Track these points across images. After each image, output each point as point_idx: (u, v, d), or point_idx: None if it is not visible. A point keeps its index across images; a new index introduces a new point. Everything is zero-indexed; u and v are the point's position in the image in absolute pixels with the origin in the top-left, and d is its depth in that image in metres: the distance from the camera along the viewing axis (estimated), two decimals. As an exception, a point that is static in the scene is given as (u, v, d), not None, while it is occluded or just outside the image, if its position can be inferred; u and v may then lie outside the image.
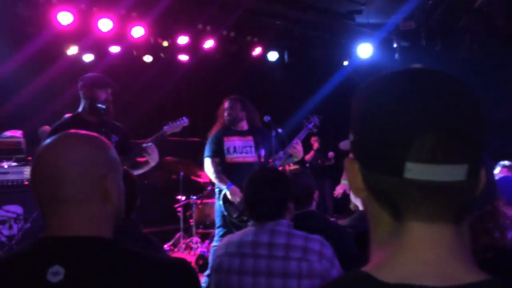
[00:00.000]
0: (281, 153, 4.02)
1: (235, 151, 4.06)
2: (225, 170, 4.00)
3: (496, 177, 2.87)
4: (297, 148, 3.98)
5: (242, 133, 4.13)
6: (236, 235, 2.01)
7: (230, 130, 4.13)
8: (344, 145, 1.61)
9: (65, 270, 0.93)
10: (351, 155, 0.72)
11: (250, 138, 4.11)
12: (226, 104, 4.17)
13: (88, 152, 1.03)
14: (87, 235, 0.99)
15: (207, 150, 4.12)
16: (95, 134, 1.10)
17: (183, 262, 1.07)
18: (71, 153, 1.01)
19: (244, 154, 4.05)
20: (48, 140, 1.05)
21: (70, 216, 0.99)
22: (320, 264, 1.82)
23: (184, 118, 3.60)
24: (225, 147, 4.05)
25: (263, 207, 1.97)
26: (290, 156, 4.06)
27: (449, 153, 0.60)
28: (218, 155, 4.05)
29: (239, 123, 4.13)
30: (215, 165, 4.03)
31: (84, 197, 1.01)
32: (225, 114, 4.13)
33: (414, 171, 0.61)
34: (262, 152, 4.07)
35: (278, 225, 1.94)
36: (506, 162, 4.02)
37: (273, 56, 7.79)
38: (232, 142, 4.08)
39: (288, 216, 2.01)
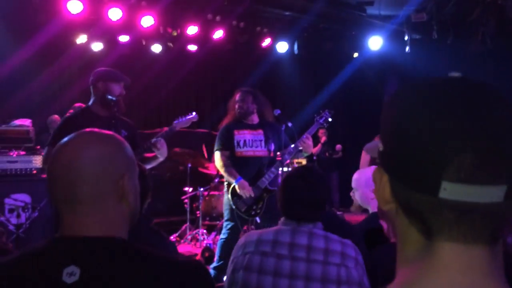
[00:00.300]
0: (291, 148, 4.00)
1: (245, 144, 4.04)
2: (235, 163, 3.99)
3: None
4: (307, 142, 3.95)
5: (252, 127, 4.10)
6: (267, 233, 1.90)
7: (240, 123, 4.10)
8: (371, 150, 1.56)
9: (80, 271, 0.92)
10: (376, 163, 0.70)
11: (261, 131, 4.08)
12: (238, 97, 4.14)
13: (105, 151, 1.02)
14: (103, 235, 0.99)
15: (217, 143, 4.11)
16: (110, 132, 1.10)
17: (196, 263, 1.07)
18: (87, 153, 1.00)
19: (254, 148, 4.04)
20: (64, 139, 1.04)
21: (86, 216, 0.99)
22: (356, 271, 1.79)
23: (193, 113, 3.60)
24: (235, 141, 4.03)
25: (302, 207, 1.90)
26: (300, 150, 4.04)
27: (487, 173, 0.58)
28: (228, 148, 4.03)
29: (250, 116, 4.10)
30: (225, 158, 4.02)
31: (100, 197, 1.00)
32: (236, 106, 4.10)
33: (450, 191, 0.58)
34: (272, 147, 4.05)
35: (316, 228, 1.88)
36: None
37: (282, 47, 7.73)
38: (243, 136, 4.06)
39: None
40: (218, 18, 6.87)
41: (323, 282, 1.76)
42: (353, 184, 2.73)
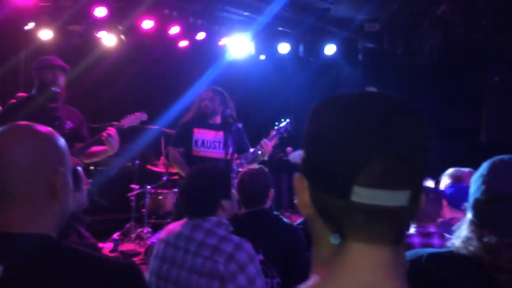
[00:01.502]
0: (249, 153, 4.03)
1: (203, 145, 4.00)
2: (190, 162, 3.92)
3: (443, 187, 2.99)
4: (266, 149, 4.01)
5: (214, 127, 4.05)
6: (175, 225, 2.05)
7: (203, 121, 4.04)
8: (293, 157, 1.64)
9: (4, 268, 0.89)
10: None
11: (221, 133, 4.03)
12: (206, 94, 4.07)
13: (37, 145, 0.99)
14: (31, 232, 0.96)
15: (173, 139, 4.05)
16: (44, 127, 1.06)
17: (128, 264, 1.06)
18: (18, 146, 0.97)
19: (211, 149, 4.00)
20: None
21: (15, 212, 0.96)
22: (225, 267, 1.82)
23: (142, 112, 3.54)
24: (193, 139, 3.98)
25: (194, 202, 2.01)
26: (257, 155, 4.06)
27: (395, 180, 0.63)
28: (184, 146, 3.98)
29: (215, 116, 4.05)
30: (178, 154, 3.97)
31: (31, 192, 0.98)
32: (203, 104, 4.03)
33: (361, 195, 0.63)
34: (230, 149, 4.04)
35: (204, 222, 1.96)
36: (451, 170, 4.16)
37: (239, 47, 7.73)
38: (202, 135, 4.01)
39: (223, 215, 2.02)
40: (175, 13, 6.79)
41: (190, 271, 1.85)
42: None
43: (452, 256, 1.22)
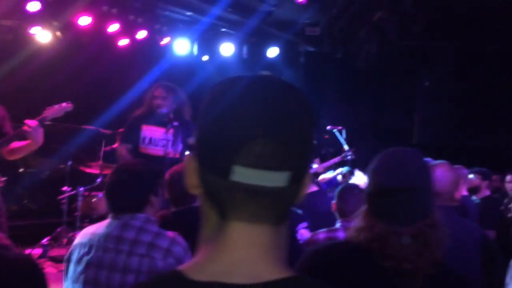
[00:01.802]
0: None
1: (150, 142, 3.90)
2: (136, 159, 3.81)
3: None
4: None
5: (164, 124, 3.91)
6: (96, 228, 1.95)
7: (152, 118, 3.92)
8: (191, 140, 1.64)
9: None
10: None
11: (171, 131, 3.90)
12: (158, 92, 3.95)
13: None
14: None
15: (122, 134, 3.93)
16: None
17: (26, 257, 1.06)
18: None
19: (159, 147, 3.90)
20: None
21: None
22: (164, 262, 1.80)
23: (68, 102, 3.36)
24: (141, 136, 3.87)
25: (121, 199, 1.93)
26: None
27: (273, 160, 0.64)
28: (131, 142, 3.87)
29: (166, 113, 3.94)
30: (126, 151, 3.86)
31: None
32: (155, 103, 3.90)
33: (240, 174, 0.64)
34: (179, 148, 3.96)
35: (133, 219, 1.89)
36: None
37: (182, 47, 7.64)
38: (150, 132, 3.90)
39: (150, 211, 1.97)
40: (114, 10, 6.60)
41: (124, 272, 1.79)
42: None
43: (346, 246, 1.28)
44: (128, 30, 6.87)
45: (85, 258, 1.86)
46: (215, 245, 0.67)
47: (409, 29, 6.28)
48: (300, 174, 0.67)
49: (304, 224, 3.08)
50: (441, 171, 2.06)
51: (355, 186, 2.63)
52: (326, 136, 6.99)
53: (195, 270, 0.65)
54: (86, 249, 1.87)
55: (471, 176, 4.51)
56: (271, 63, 8.00)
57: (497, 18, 6.28)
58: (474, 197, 4.50)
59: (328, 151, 7.24)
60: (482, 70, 7.23)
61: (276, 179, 0.64)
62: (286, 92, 0.68)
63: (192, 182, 0.71)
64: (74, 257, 1.89)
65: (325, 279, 0.82)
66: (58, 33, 6.54)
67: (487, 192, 4.47)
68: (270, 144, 0.63)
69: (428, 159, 3.87)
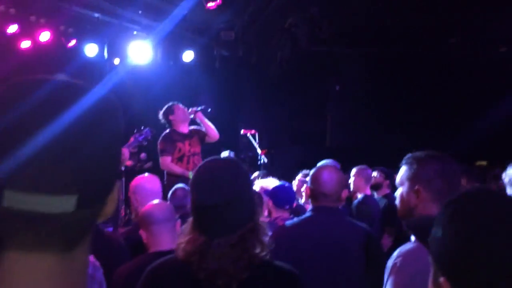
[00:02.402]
0: None
1: None
2: None
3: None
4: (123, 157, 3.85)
5: None
6: None
7: None
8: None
9: None
10: None
11: None
12: None
13: None
14: None
15: None
16: None
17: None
18: None
19: None
20: None
21: None
22: None
23: None
24: None
25: None
26: None
27: (53, 183, 0.57)
28: None
29: None
30: None
31: None
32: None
33: (13, 200, 0.57)
34: None
35: None
36: (306, 171, 4.41)
37: (91, 50, 7.29)
38: None
39: None
40: (12, 10, 6.14)
41: None
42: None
43: (172, 261, 1.32)
44: (28, 31, 6.43)
45: None
46: None
47: (318, 35, 6.50)
48: (91, 196, 0.61)
49: None
50: (328, 173, 2.11)
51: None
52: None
53: None
54: None
55: (374, 173, 4.72)
56: (187, 67, 7.89)
57: (396, 25, 6.70)
58: (375, 194, 4.72)
59: (247, 156, 7.28)
60: (386, 74, 7.68)
61: (58, 204, 0.58)
62: (63, 103, 0.60)
63: None
64: None
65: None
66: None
67: (387, 190, 4.70)
68: (47, 166, 0.57)
69: (331, 161, 4.01)
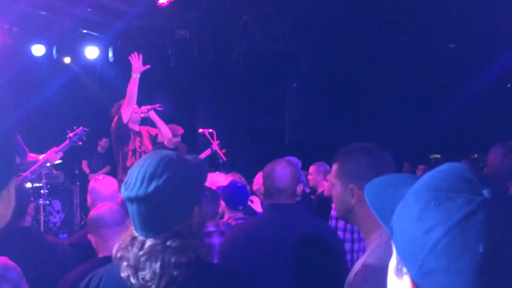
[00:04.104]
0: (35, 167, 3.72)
1: None
2: None
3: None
4: (55, 156, 3.74)
5: None
6: None
7: None
8: None
9: None
10: None
11: None
12: None
13: None
14: None
15: None
16: None
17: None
18: None
19: None
20: None
21: None
22: None
23: None
24: None
25: None
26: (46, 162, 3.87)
27: None
28: None
29: None
30: None
31: None
32: None
33: None
34: None
35: None
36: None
37: (39, 50, 6.97)
38: None
39: None
40: None
41: None
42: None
43: (111, 266, 1.28)
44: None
45: None
46: None
47: (274, 33, 6.48)
48: None
49: None
50: (281, 168, 2.05)
51: (207, 188, 2.52)
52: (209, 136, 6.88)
53: None
54: None
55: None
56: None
57: (351, 22, 6.79)
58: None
59: (207, 155, 7.17)
60: (341, 71, 7.79)
61: None
62: None
63: None
64: None
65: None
66: None
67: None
68: None
69: (292, 158, 3.98)
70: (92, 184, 2.76)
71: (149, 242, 1.14)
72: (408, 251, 0.57)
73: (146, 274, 1.12)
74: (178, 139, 5.78)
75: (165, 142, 5.51)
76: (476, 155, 10.14)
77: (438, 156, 10.02)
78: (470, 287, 0.50)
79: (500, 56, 7.42)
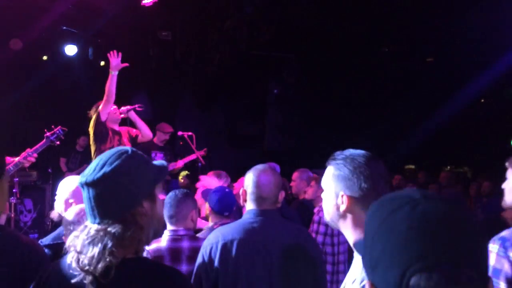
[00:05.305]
0: (11, 166, 3.59)
1: None
2: None
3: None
4: (30, 159, 3.64)
5: None
6: None
7: None
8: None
9: None
10: None
11: None
12: None
13: None
14: None
15: None
16: None
17: None
18: None
19: None
20: None
21: None
22: None
23: None
24: None
25: None
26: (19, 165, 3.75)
27: None
28: None
29: None
30: None
31: None
32: None
33: None
34: None
35: None
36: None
37: (16, 44, 6.78)
38: None
39: None
40: None
41: None
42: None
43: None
44: None
45: None
46: None
47: (257, 39, 6.50)
48: None
49: None
50: (265, 176, 2.06)
51: (179, 191, 2.48)
52: (181, 143, 6.86)
53: None
54: None
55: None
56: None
57: (334, 32, 6.87)
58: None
59: (191, 159, 7.11)
60: (323, 79, 7.86)
61: None
62: None
63: None
64: None
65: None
66: None
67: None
68: None
69: (271, 163, 3.98)
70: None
71: (94, 227, 1.18)
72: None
73: (85, 258, 1.14)
74: (167, 137, 5.76)
75: (155, 140, 5.48)
76: (449, 167, 10.40)
77: (412, 166, 10.22)
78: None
79: (474, 74, 7.65)
